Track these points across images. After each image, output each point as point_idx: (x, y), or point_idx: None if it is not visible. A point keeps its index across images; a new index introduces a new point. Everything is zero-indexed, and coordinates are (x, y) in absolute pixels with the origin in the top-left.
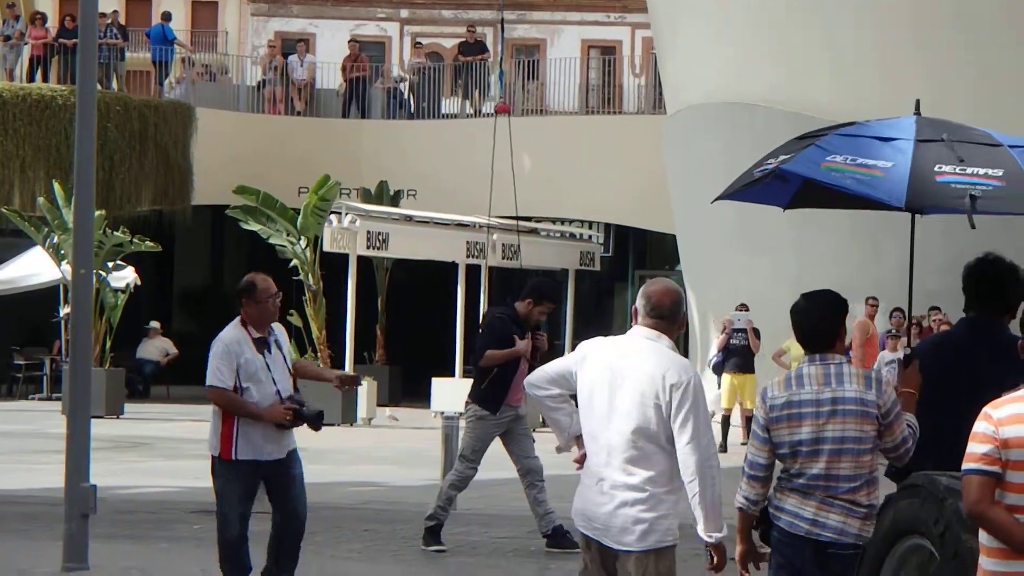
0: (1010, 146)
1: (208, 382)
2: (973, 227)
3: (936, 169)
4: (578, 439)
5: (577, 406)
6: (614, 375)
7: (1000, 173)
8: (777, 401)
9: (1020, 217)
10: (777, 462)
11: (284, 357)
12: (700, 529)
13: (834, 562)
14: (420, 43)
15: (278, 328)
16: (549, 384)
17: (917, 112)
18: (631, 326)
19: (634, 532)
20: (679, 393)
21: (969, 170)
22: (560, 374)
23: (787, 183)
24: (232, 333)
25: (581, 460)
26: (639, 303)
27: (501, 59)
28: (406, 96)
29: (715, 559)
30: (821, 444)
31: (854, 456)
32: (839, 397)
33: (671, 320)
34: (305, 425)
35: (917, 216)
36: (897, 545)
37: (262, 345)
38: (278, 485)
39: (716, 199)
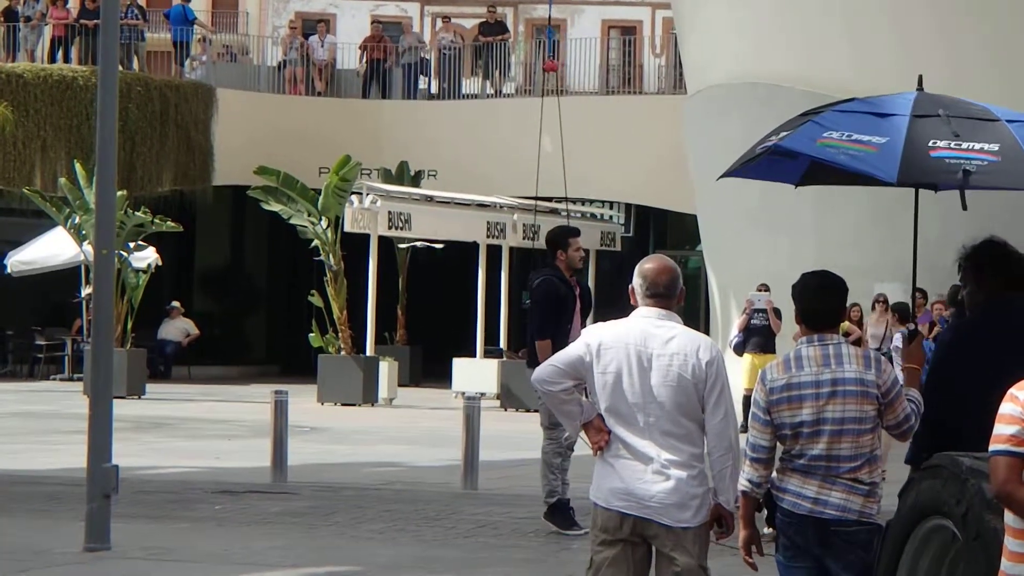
0: (1008, 121)
1: None
2: (965, 208)
3: (931, 144)
4: (587, 426)
5: (589, 392)
6: (640, 359)
7: (996, 148)
8: (777, 383)
9: None
10: (779, 444)
11: None
12: (727, 500)
13: (838, 540)
14: (449, 19)
15: None
16: (561, 378)
17: (920, 88)
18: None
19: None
20: (713, 369)
21: (965, 145)
22: (571, 365)
23: (796, 160)
24: None
25: (601, 446)
26: (637, 283)
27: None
28: (430, 68)
29: (730, 526)
30: (822, 425)
31: (854, 436)
32: (839, 378)
33: (671, 297)
34: None
35: (935, 195)
36: (919, 526)
37: None
38: None
39: (721, 176)
